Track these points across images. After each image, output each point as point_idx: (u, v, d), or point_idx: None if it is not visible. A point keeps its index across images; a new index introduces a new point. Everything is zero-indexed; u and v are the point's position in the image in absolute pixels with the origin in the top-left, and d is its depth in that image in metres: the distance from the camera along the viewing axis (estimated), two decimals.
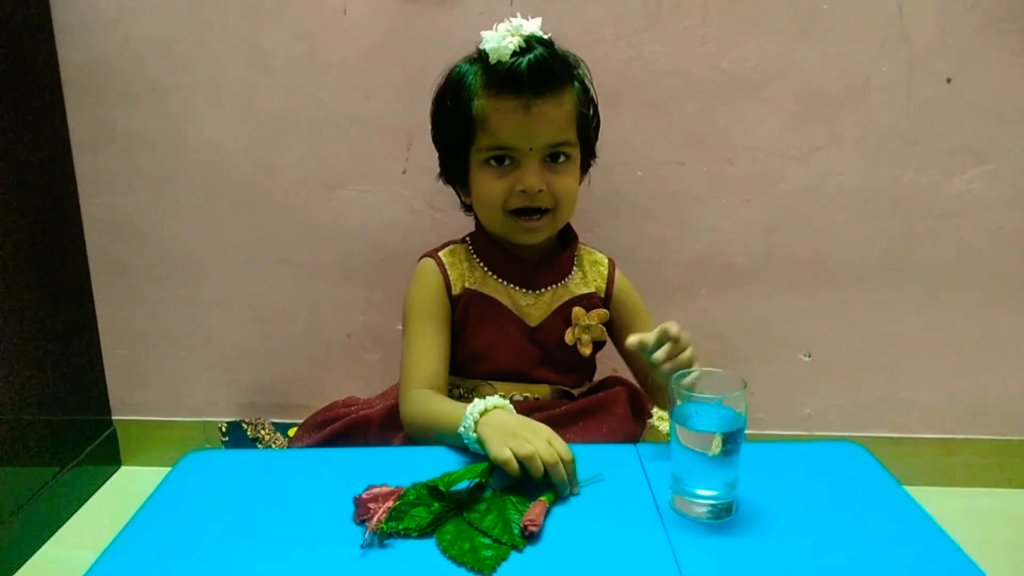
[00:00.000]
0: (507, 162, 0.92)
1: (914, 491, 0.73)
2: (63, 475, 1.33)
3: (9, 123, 1.22)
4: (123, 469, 1.48)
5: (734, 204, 1.30)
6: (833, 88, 1.24)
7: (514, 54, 0.88)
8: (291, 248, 1.36)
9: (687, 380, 0.71)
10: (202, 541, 0.66)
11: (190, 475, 0.78)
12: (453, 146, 0.96)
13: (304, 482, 0.75)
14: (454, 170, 0.99)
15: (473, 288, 0.97)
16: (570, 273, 1.00)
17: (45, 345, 1.30)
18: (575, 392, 0.99)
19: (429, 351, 0.94)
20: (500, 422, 0.76)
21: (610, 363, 1.12)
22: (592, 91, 0.98)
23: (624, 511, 0.70)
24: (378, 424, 1.01)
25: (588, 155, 1.00)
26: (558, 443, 0.73)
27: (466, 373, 0.98)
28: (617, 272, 1.03)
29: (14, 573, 1.19)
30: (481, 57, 0.92)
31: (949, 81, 1.23)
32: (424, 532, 0.65)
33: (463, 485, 0.70)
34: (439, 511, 0.67)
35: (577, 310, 0.97)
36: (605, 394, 0.97)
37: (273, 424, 1.38)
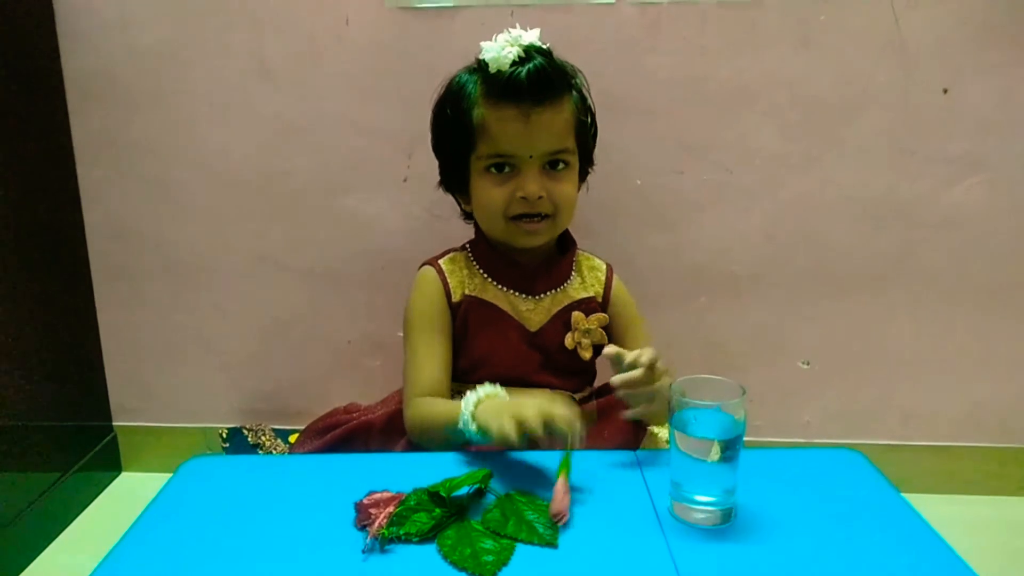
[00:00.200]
0: (507, 169, 0.93)
1: (912, 498, 0.74)
2: (64, 481, 1.33)
3: (13, 129, 1.22)
4: (124, 475, 1.49)
5: (733, 212, 1.31)
6: (831, 98, 1.25)
7: (513, 64, 0.89)
8: (292, 255, 1.37)
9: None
10: (203, 547, 0.67)
11: (191, 481, 0.78)
12: (453, 154, 0.97)
13: (305, 488, 0.76)
14: (454, 178, 1.00)
15: (473, 295, 0.97)
16: (569, 278, 1.01)
17: (46, 351, 1.30)
18: (576, 397, 1.00)
19: (431, 359, 0.95)
20: (495, 405, 0.79)
21: (611, 368, 1.12)
22: (590, 100, 0.99)
23: (623, 517, 0.70)
24: (379, 430, 1.01)
25: (586, 162, 1.02)
26: (554, 404, 0.76)
27: (468, 379, 0.98)
28: (615, 278, 1.04)
29: None
30: (481, 67, 0.93)
31: (945, 91, 1.24)
32: (425, 537, 0.66)
33: (464, 491, 0.70)
34: (440, 516, 0.67)
35: (576, 314, 0.98)
36: (606, 400, 0.97)
37: (274, 430, 1.39)
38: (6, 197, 1.21)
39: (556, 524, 0.67)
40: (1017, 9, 1.20)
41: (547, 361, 0.98)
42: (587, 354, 0.99)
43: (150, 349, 1.43)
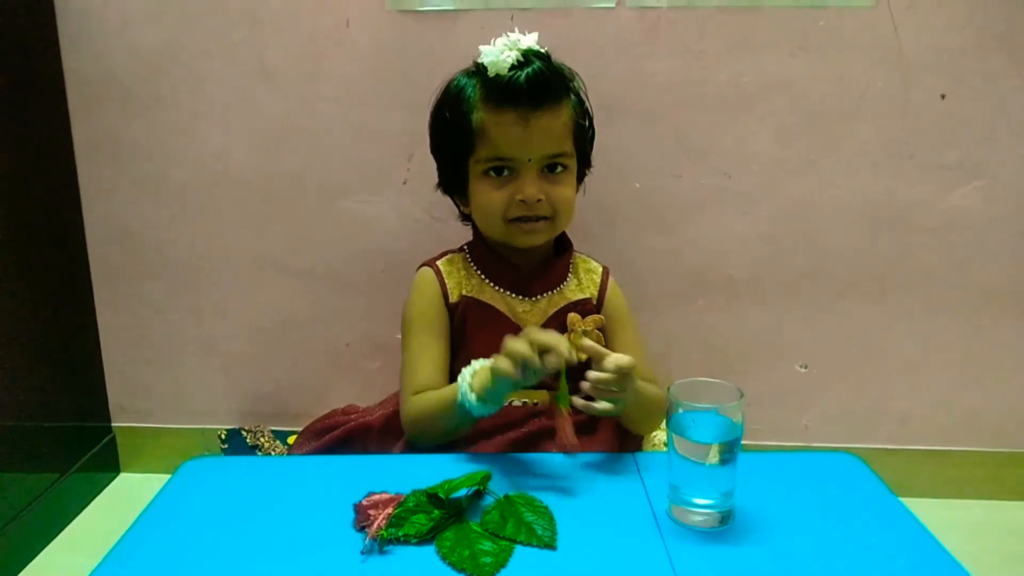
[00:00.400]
0: (506, 172, 0.94)
1: (909, 502, 0.74)
2: (62, 481, 1.33)
3: (14, 131, 1.23)
4: (122, 476, 1.49)
5: (731, 216, 1.31)
6: (829, 103, 1.25)
7: (512, 68, 0.90)
8: (292, 257, 1.37)
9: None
10: (202, 548, 0.67)
11: (190, 482, 0.79)
12: (452, 157, 0.98)
13: (304, 489, 0.76)
14: (453, 180, 1.01)
15: (470, 295, 0.98)
16: (565, 280, 1.01)
17: (46, 351, 1.30)
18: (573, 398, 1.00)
19: (428, 359, 0.95)
20: (489, 372, 0.82)
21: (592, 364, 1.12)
22: (587, 103, 1.00)
23: (622, 520, 0.70)
24: (377, 432, 1.01)
25: (584, 165, 1.03)
26: (537, 331, 0.78)
27: None
28: (610, 280, 1.05)
29: None
30: (479, 70, 0.94)
31: (943, 97, 1.25)
32: (424, 539, 0.66)
33: (462, 492, 0.70)
34: (439, 518, 0.67)
35: (572, 316, 0.98)
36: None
37: (272, 432, 1.39)
38: (6, 198, 1.22)
39: (569, 453, 0.75)
40: (1014, 16, 1.20)
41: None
42: (583, 356, 0.99)
43: (149, 350, 1.43)
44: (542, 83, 0.90)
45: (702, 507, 0.69)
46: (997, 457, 1.39)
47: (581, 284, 1.02)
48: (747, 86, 1.25)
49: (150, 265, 1.39)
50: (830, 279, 1.33)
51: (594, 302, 1.02)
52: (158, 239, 1.38)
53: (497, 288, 0.99)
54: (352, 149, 1.31)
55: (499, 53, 0.90)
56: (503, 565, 0.63)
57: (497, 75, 0.90)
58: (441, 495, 0.69)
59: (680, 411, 0.69)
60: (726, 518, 0.69)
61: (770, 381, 1.38)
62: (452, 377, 0.98)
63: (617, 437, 0.96)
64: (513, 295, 0.98)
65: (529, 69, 0.90)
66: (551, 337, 0.77)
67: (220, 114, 1.31)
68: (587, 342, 0.82)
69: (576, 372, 0.98)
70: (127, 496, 1.43)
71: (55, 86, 1.30)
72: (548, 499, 0.71)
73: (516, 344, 0.77)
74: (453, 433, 0.90)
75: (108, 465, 1.47)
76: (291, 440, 1.17)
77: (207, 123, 1.32)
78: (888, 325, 1.35)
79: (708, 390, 0.70)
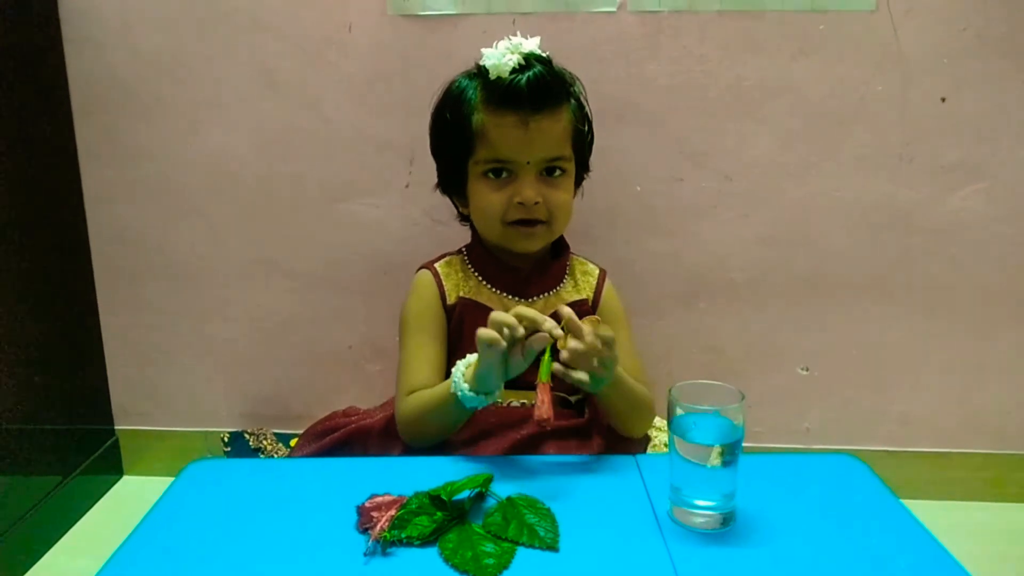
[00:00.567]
0: (505, 175, 0.94)
1: (910, 504, 0.74)
2: (66, 484, 1.34)
3: (17, 132, 1.23)
4: (125, 478, 1.49)
5: (732, 219, 1.32)
6: (830, 106, 1.26)
7: (514, 71, 0.91)
8: (294, 260, 1.38)
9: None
10: (206, 551, 0.67)
11: (193, 485, 0.79)
12: (452, 158, 0.99)
13: (307, 491, 0.76)
14: (452, 181, 1.01)
15: (467, 297, 0.98)
16: (562, 282, 1.02)
17: (49, 354, 1.31)
18: (572, 399, 1.00)
19: (424, 361, 0.96)
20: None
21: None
22: (587, 108, 1.00)
23: (623, 521, 0.70)
24: (377, 434, 1.01)
25: (582, 170, 1.03)
26: (523, 306, 0.80)
27: None
28: (607, 282, 1.05)
29: None
30: (480, 72, 0.94)
31: (943, 100, 1.25)
32: (427, 541, 0.66)
33: (465, 494, 0.71)
34: (441, 520, 0.68)
35: (564, 308, 0.98)
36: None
37: (275, 434, 1.39)
38: (10, 200, 1.22)
39: (544, 426, 0.75)
40: (1014, 19, 1.21)
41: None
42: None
43: (152, 353, 1.44)
44: (543, 87, 0.91)
45: (704, 509, 0.69)
46: (998, 459, 1.39)
47: (578, 286, 1.03)
48: (748, 89, 1.26)
49: (153, 267, 1.39)
50: (831, 281, 1.34)
51: (590, 304, 1.02)
52: (161, 241, 1.38)
53: (494, 290, 0.99)
54: (353, 152, 1.32)
55: (501, 56, 0.91)
56: (505, 567, 0.63)
57: (498, 78, 0.91)
58: (444, 497, 0.69)
59: (681, 413, 0.69)
60: (727, 520, 0.69)
61: (771, 383, 1.39)
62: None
63: (608, 441, 0.96)
64: (510, 296, 0.99)
65: (530, 72, 0.91)
66: (535, 312, 0.79)
67: (223, 117, 1.32)
68: (566, 310, 0.81)
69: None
70: (130, 499, 1.43)
71: (58, 88, 1.31)
72: (550, 501, 0.71)
73: (499, 314, 0.79)
74: (447, 430, 0.91)
75: (111, 468, 1.47)
76: (293, 443, 1.17)
77: (210, 126, 1.32)
78: (889, 327, 1.35)
79: (709, 392, 0.70)
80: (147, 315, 1.42)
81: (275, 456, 1.34)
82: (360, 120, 1.30)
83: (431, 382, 0.93)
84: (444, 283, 0.99)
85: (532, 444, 0.91)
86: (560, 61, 0.96)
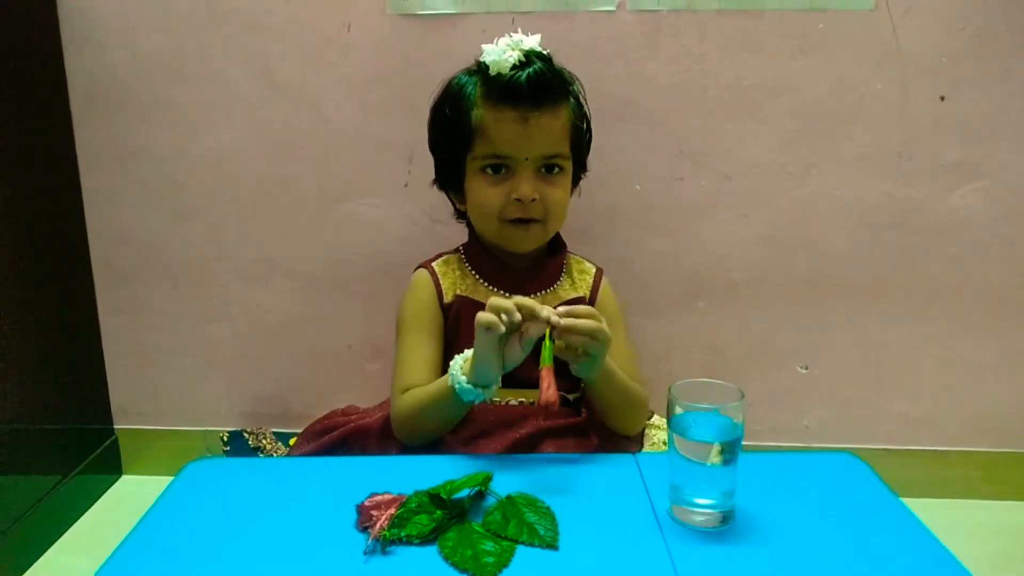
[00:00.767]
0: (503, 171, 0.95)
1: (910, 503, 0.74)
2: (65, 483, 1.34)
3: (17, 135, 1.23)
4: (124, 478, 1.49)
5: (731, 219, 1.32)
6: (829, 105, 1.26)
7: (514, 67, 0.91)
8: (293, 259, 1.38)
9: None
10: (205, 550, 0.67)
11: (193, 484, 0.79)
12: (450, 153, 0.99)
13: (307, 490, 0.76)
14: (450, 177, 1.02)
15: (464, 295, 0.99)
16: (559, 280, 1.02)
17: (48, 354, 1.31)
18: (570, 397, 1.00)
19: (420, 359, 0.96)
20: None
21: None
22: (586, 107, 1.00)
23: (623, 520, 0.71)
24: (376, 433, 1.01)
25: (580, 169, 1.03)
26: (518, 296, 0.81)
27: None
28: (603, 281, 1.05)
29: None
30: (481, 69, 0.95)
31: (943, 99, 1.25)
32: (426, 539, 0.66)
33: (465, 493, 0.71)
34: (441, 518, 0.68)
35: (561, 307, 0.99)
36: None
37: (274, 434, 1.39)
38: (9, 201, 1.22)
39: (549, 409, 0.76)
40: (1013, 17, 1.21)
41: (538, 361, 0.98)
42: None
43: (151, 352, 1.44)
44: (543, 83, 0.91)
45: (703, 507, 0.69)
46: (998, 457, 1.39)
47: (574, 284, 1.03)
48: (747, 89, 1.26)
49: (153, 267, 1.39)
50: (830, 280, 1.34)
51: (587, 302, 1.02)
52: (160, 242, 1.38)
53: (491, 288, 1.00)
54: (353, 152, 1.32)
55: (501, 52, 0.91)
56: (505, 565, 0.63)
57: (499, 74, 0.91)
58: (443, 495, 0.69)
59: (681, 411, 0.69)
60: (727, 518, 0.70)
61: (770, 382, 1.39)
62: None
63: (602, 439, 0.96)
64: (506, 295, 0.99)
65: (531, 69, 0.91)
66: (533, 301, 0.79)
67: (222, 117, 1.32)
68: (547, 312, 0.81)
69: (558, 370, 0.99)
70: (129, 498, 1.43)
71: (58, 89, 1.31)
72: (550, 499, 0.71)
73: (498, 299, 0.80)
74: (443, 427, 0.91)
75: (110, 467, 1.47)
76: (293, 442, 1.17)
77: (209, 126, 1.32)
78: (888, 326, 1.35)
79: (709, 391, 0.70)
80: (146, 314, 1.42)
81: (274, 455, 1.34)
82: (359, 119, 1.30)
83: (427, 380, 0.93)
84: (441, 281, 1.00)
85: (531, 443, 0.91)
86: (559, 60, 0.97)
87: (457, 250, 1.05)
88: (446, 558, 0.64)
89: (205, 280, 1.40)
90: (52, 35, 1.29)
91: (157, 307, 1.41)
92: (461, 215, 1.06)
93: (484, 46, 0.93)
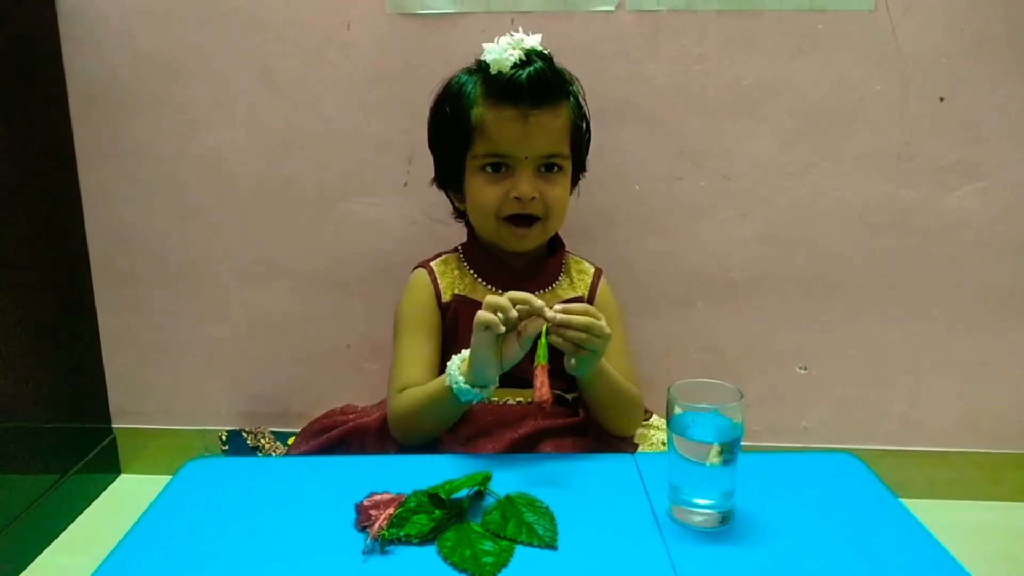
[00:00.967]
0: (502, 169, 0.95)
1: (909, 503, 0.74)
2: (63, 482, 1.33)
3: (15, 134, 1.23)
4: (122, 477, 1.49)
5: (731, 219, 1.32)
6: (828, 106, 1.26)
7: (514, 66, 0.91)
8: (293, 259, 1.38)
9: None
10: (203, 549, 0.67)
11: (191, 483, 0.79)
12: (450, 152, 0.99)
13: (305, 489, 0.76)
14: (449, 175, 1.02)
15: (462, 294, 0.99)
16: (557, 279, 1.02)
17: (47, 352, 1.31)
18: (568, 397, 1.00)
19: (417, 358, 0.96)
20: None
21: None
22: (586, 107, 1.01)
23: (622, 520, 0.70)
24: (374, 433, 1.02)
25: (579, 169, 1.04)
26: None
27: None
28: (602, 280, 1.05)
29: None
30: (481, 67, 0.95)
31: (942, 99, 1.25)
32: (425, 539, 0.66)
33: (463, 492, 0.71)
34: (440, 518, 0.68)
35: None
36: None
37: (273, 433, 1.39)
38: (8, 200, 1.22)
39: (543, 407, 0.75)
40: (1013, 18, 1.21)
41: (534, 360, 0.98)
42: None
43: (150, 351, 1.44)
44: (543, 82, 0.91)
45: (702, 507, 0.69)
46: (997, 458, 1.39)
47: (573, 283, 1.03)
48: (747, 89, 1.26)
49: (151, 267, 1.39)
50: (829, 281, 1.34)
51: (585, 301, 1.02)
52: (159, 241, 1.38)
53: (489, 287, 1.00)
54: (352, 151, 1.31)
55: (502, 51, 0.91)
56: (504, 565, 0.63)
57: (499, 72, 0.91)
58: (442, 495, 0.69)
59: (680, 411, 0.69)
60: (726, 518, 0.70)
61: (769, 382, 1.39)
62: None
63: (596, 440, 0.96)
64: (505, 294, 0.99)
65: (531, 68, 0.91)
66: (528, 294, 0.80)
67: (221, 116, 1.31)
68: (549, 313, 0.81)
69: (557, 370, 0.99)
70: (128, 497, 1.43)
71: (56, 88, 1.31)
72: (549, 499, 0.71)
73: (494, 297, 0.80)
74: (440, 427, 0.91)
75: (109, 466, 1.47)
76: (291, 442, 1.17)
77: (208, 125, 1.32)
78: (887, 326, 1.35)
79: (708, 391, 0.70)
80: (145, 314, 1.42)
81: (273, 455, 1.34)
82: (359, 119, 1.30)
83: (424, 380, 0.93)
84: (440, 281, 1.00)
85: (529, 443, 0.91)
86: (559, 60, 0.97)
87: (456, 250, 1.05)
88: (445, 558, 0.64)
89: (204, 280, 1.39)
90: (51, 35, 1.29)
91: (156, 307, 1.41)
92: (460, 214, 1.06)
93: (485, 45, 0.93)
